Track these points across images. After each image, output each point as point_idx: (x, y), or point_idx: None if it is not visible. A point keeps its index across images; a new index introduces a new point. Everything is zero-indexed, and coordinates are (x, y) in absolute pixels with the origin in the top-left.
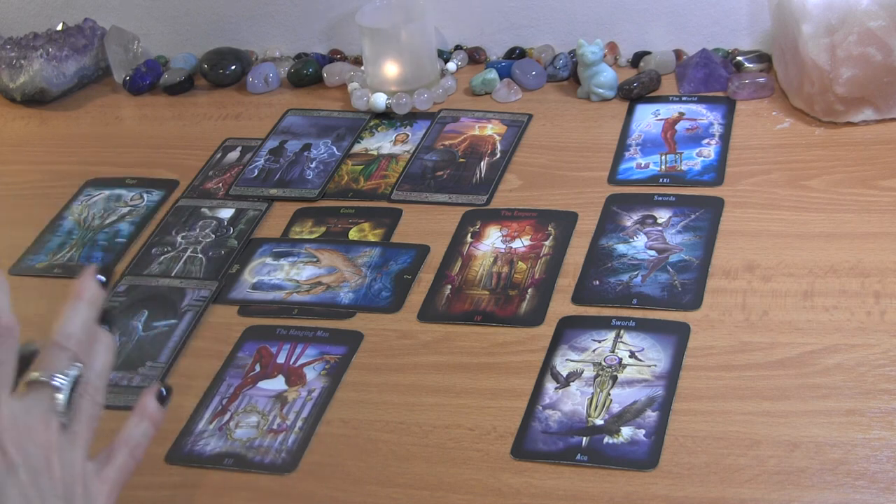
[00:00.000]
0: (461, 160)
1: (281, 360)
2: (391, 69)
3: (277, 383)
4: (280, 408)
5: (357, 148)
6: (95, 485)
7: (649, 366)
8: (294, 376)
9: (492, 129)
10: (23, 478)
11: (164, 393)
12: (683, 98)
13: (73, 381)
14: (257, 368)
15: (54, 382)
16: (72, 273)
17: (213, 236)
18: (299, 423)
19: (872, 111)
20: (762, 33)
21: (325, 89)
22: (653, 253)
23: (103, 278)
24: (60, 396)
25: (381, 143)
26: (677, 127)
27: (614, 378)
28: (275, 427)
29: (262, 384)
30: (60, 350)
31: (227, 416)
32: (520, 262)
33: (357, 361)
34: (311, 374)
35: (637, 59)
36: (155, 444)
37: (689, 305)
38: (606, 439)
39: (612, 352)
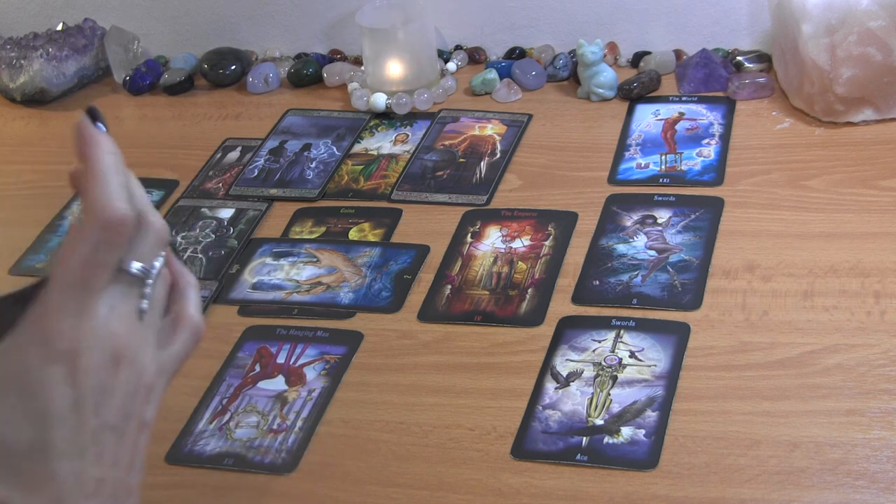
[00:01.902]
0: (461, 160)
1: (281, 360)
2: (391, 69)
3: (277, 383)
4: (280, 408)
5: (357, 148)
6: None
7: (649, 366)
8: (294, 376)
9: (492, 129)
10: (127, 372)
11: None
12: (683, 98)
13: (157, 273)
14: (257, 368)
15: (143, 275)
16: None
17: (213, 236)
18: (299, 423)
19: (872, 111)
20: (762, 33)
21: (325, 89)
22: (653, 253)
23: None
24: (148, 290)
25: (381, 143)
26: (677, 127)
27: (614, 378)
28: (275, 427)
29: (262, 384)
30: (148, 236)
31: (227, 416)
32: (520, 262)
33: (357, 361)
34: (311, 374)
35: (637, 59)
36: (155, 444)
37: (689, 305)
38: (606, 439)
39: (612, 352)
